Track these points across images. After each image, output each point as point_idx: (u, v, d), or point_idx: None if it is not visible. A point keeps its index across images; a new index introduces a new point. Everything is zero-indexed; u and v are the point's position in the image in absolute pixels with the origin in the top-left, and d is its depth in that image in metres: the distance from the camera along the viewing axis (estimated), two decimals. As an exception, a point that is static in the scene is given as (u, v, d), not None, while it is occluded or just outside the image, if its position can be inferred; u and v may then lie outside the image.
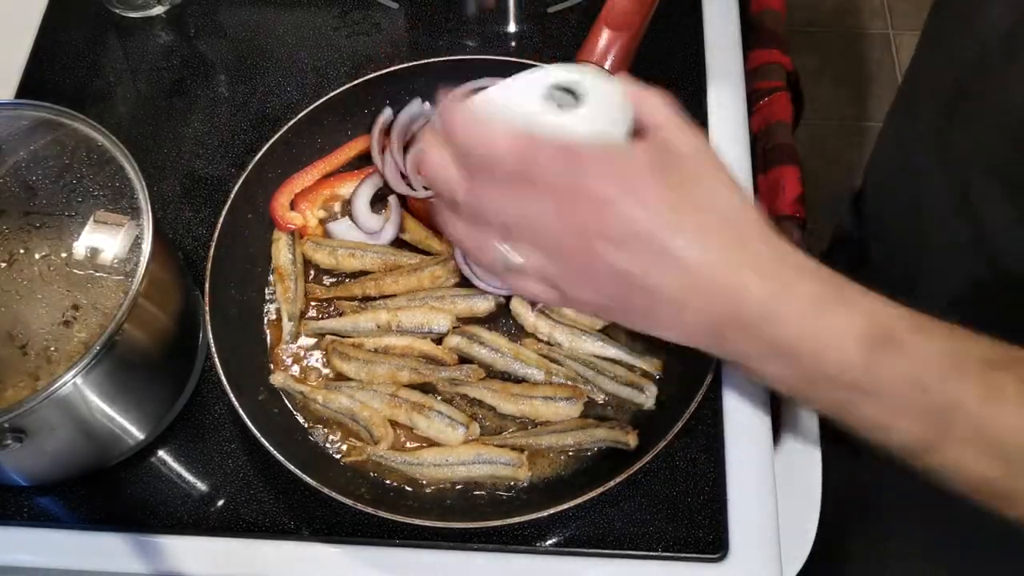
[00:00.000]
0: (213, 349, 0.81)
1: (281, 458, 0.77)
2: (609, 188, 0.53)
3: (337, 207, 0.97)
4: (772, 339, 0.54)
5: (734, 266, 0.54)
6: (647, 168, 0.54)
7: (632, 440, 0.81)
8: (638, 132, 0.59)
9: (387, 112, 0.97)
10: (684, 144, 0.57)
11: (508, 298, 0.90)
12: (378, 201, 0.96)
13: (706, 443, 0.84)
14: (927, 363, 0.53)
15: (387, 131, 0.97)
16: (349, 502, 0.75)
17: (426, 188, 0.95)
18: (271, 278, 0.92)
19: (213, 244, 0.86)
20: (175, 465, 0.86)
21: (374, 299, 0.90)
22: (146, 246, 0.75)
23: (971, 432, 0.53)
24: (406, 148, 0.97)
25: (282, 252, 0.91)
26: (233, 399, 0.79)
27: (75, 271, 0.75)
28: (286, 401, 0.86)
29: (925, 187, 0.83)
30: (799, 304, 0.53)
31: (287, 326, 0.89)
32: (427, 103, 0.99)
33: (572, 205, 0.53)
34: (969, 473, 0.55)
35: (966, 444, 0.53)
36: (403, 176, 0.96)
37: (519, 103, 0.58)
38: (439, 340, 0.88)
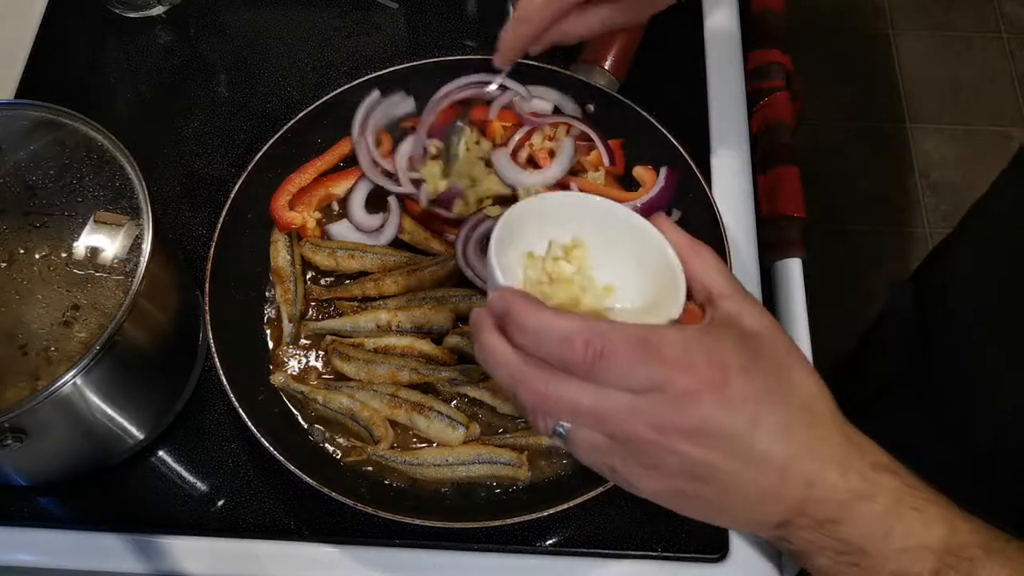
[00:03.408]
0: (213, 349, 0.81)
1: (281, 458, 0.77)
2: (693, 384, 0.50)
3: (335, 207, 0.97)
4: (845, 537, 0.52)
5: (817, 461, 0.52)
6: (727, 356, 0.52)
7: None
8: (690, 294, 0.57)
9: (372, 95, 0.97)
10: (755, 321, 0.55)
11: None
12: (378, 203, 0.96)
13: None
14: None
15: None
16: (349, 502, 0.75)
17: (415, 184, 0.95)
18: (271, 278, 0.91)
19: (213, 244, 0.86)
20: (175, 465, 0.86)
21: (374, 299, 0.90)
22: (146, 246, 0.75)
23: None
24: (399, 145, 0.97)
25: (280, 253, 0.91)
26: (233, 399, 0.79)
27: (75, 271, 0.75)
28: (286, 401, 0.86)
29: (1001, 318, 0.83)
30: (878, 504, 0.52)
31: (287, 327, 0.89)
32: (400, 95, 0.98)
33: (652, 402, 0.51)
34: None
35: None
36: (389, 175, 0.96)
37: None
38: (439, 340, 0.88)
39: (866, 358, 1.12)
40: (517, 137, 0.94)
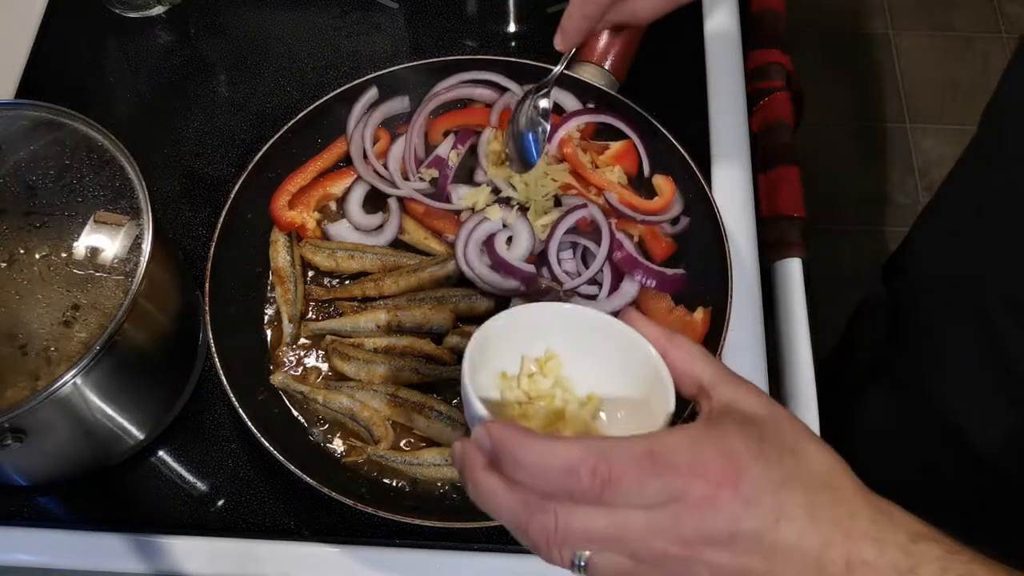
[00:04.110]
0: (213, 349, 0.81)
1: (281, 458, 0.77)
2: (709, 488, 0.48)
3: (333, 207, 0.97)
4: None
5: (851, 540, 0.49)
6: (736, 448, 0.49)
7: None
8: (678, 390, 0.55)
9: (369, 93, 0.97)
10: (754, 404, 0.52)
11: (508, 298, 0.90)
12: (377, 203, 0.96)
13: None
14: None
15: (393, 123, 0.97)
16: (349, 502, 0.75)
17: (416, 180, 0.95)
18: (271, 279, 0.91)
19: (213, 244, 0.86)
20: (175, 465, 0.86)
21: (374, 299, 0.90)
22: (146, 246, 0.75)
23: None
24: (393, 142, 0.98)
25: (280, 253, 0.91)
26: (233, 399, 0.79)
27: (75, 271, 0.75)
28: (286, 401, 0.86)
29: (952, 292, 0.84)
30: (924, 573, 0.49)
31: (287, 328, 0.89)
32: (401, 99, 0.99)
33: (672, 514, 0.48)
34: None
35: None
36: (378, 175, 0.96)
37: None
38: (439, 340, 0.88)
39: (848, 345, 1.14)
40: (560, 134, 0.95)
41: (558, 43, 0.81)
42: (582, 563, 0.50)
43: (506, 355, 0.60)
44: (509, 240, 0.91)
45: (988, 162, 0.87)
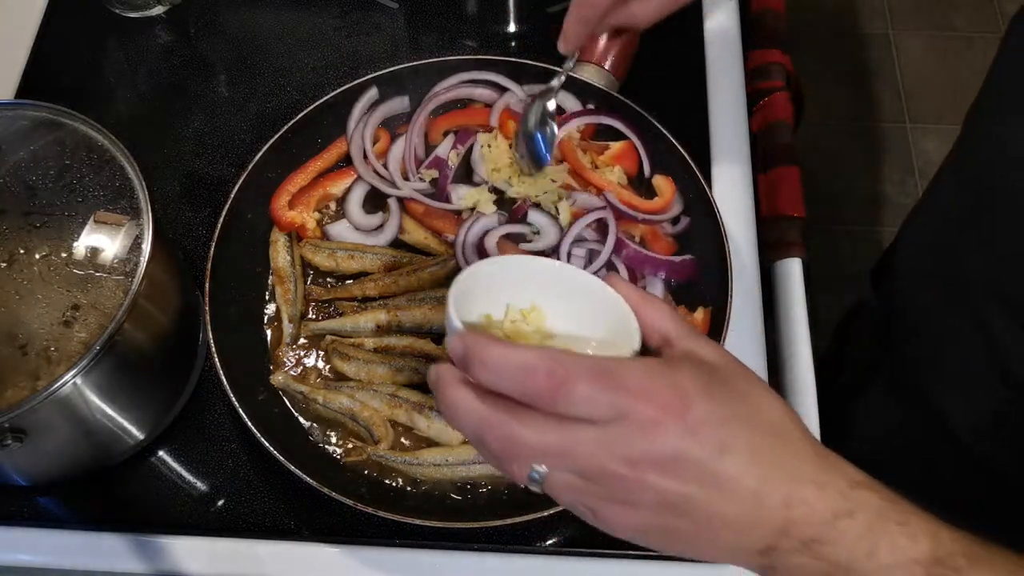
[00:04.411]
0: (213, 349, 0.81)
1: (281, 458, 0.77)
2: (656, 412, 0.50)
3: (333, 207, 0.97)
4: (831, 557, 0.51)
5: (792, 482, 0.51)
6: (688, 383, 0.52)
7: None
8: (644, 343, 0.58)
9: (369, 93, 0.98)
10: (712, 354, 0.55)
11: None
12: (376, 202, 0.96)
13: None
14: None
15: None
16: (349, 502, 0.75)
17: (416, 181, 0.95)
18: (271, 279, 0.91)
19: (213, 244, 0.86)
20: (175, 465, 0.86)
21: (374, 299, 0.90)
22: (146, 246, 0.75)
23: None
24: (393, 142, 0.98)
25: (280, 254, 0.91)
26: (233, 399, 0.79)
27: (75, 271, 0.75)
28: (286, 401, 0.86)
29: (944, 291, 0.84)
30: (860, 521, 0.51)
31: (287, 328, 0.89)
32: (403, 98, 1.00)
33: (617, 433, 0.50)
34: None
35: None
36: (378, 175, 0.96)
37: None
38: (439, 340, 0.88)
39: (840, 347, 1.15)
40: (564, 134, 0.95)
41: (561, 47, 0.83)
42: (536, 476, 0.52)
43: (493, 299, 0.63)
44: (509, 239, 0.92)
45: (973, 159, 0.88)
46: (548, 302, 0.63)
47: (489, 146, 0.96)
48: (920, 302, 0.95)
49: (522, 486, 0.54)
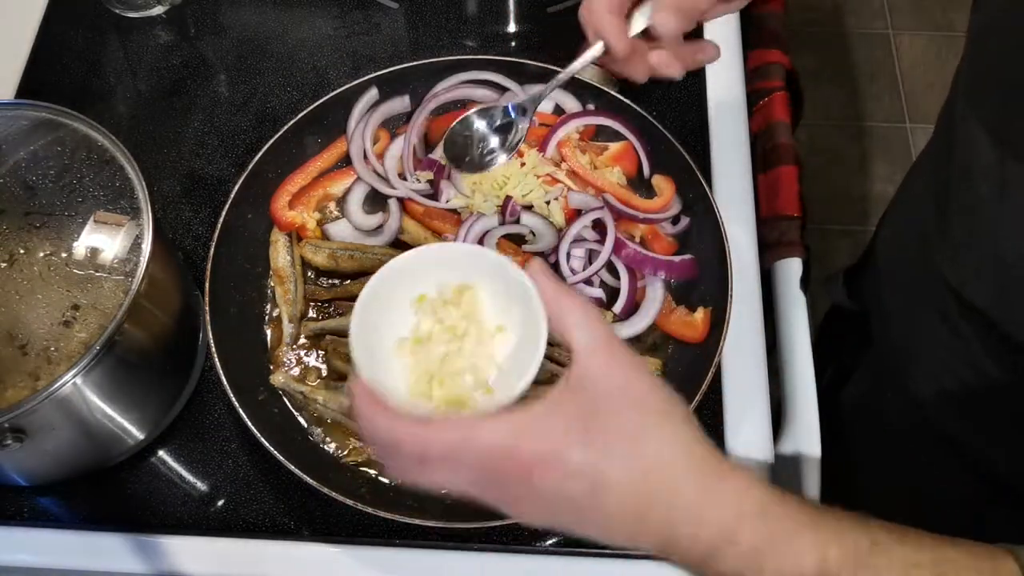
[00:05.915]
0: (213, 349, 0.81)
1: (281, 458, 0.77)
2: (520, 470, 0.53)
3: (333, 207, 0.97)
4: (722, 571, 0.54)
5: (669, 526, 0.53)
6: (566, 428, 0.53)
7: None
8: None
9: (369, 93, 0.97)
10: (608, 378, 0.55)
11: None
12: (377, 202, 0.96)
13: (706, 443, 0.84)
14: None
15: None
16: (349, 502, 0.75)
17: (415, 180, 0.95)
18: (271, 279, 0.91)
19: (213, 244, 0.86)
20: (175, 465, 0.86)
21: (374, 299, 0.90)
22: (146, 246, 0.75)
23: None
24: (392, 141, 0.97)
25: (280, 254, 0.91)
26: (233, 399, 0.79)
27: (75, 271, 0.75)
28: (286, 401, 0.86)
29: (918, 293, 0.85)
30: (746, 545, 0.53)
31: (287, 328, 0.89)
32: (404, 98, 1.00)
33: (491, 481, 0.54)
34: None
35: None
36: (378, 175, 0.96)
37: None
38: (439, 340, 0.88)
39: (820, 348, 1.16)
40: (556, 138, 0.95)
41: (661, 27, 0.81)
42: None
43: (423, 280, 0.65)
44: (509, 239, 0.92)
45: (947, 150, 0.87)
46: (484, 285, 0.64)
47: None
48: (895, 303, 0.95)
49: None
